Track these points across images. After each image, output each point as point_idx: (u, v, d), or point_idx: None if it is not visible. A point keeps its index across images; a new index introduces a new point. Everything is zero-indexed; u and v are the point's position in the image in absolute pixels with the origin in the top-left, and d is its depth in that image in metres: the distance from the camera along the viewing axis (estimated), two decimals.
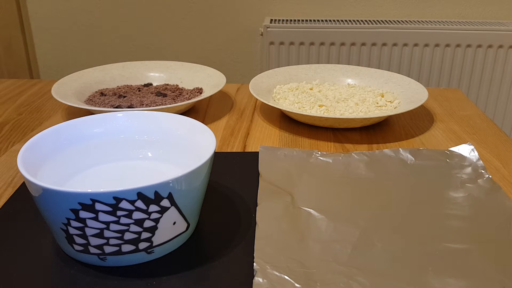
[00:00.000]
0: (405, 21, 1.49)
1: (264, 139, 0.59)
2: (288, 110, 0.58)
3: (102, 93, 0.68)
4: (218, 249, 0.37)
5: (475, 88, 1.47)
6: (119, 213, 0.32)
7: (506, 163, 0.53)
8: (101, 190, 0.31)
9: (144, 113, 0.46)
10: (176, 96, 0.67)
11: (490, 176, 0.47)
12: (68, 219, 0.32)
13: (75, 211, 0.32)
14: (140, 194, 0.32)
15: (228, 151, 0.55)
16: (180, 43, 1.61)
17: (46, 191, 0.32)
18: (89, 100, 0.66)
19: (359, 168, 0.49)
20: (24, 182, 0.47)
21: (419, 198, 0.44)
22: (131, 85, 0.72)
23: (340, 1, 1.53)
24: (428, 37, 1.41)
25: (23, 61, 1.59)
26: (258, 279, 0.33)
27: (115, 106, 0.63)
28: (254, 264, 0.34)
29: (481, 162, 0.50)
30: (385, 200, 0.43)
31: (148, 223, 0.33)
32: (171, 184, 0.33)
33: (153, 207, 0.33)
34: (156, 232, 0.34)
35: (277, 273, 0.33)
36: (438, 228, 0.39)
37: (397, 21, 1.48)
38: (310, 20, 1.49)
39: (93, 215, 0.32)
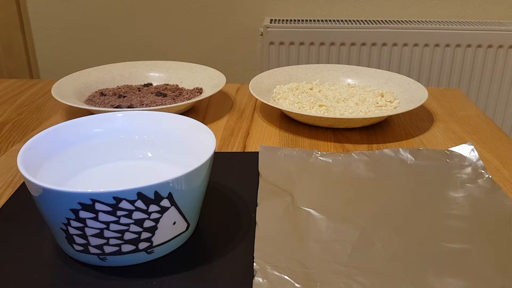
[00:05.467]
0: (405, 21, 1.49)
1: (264, 139, 0.59)
2: (288, 110, 0.58)
3: (102, 93, 0.68)
4: (218, 249, 0.37)
5: (475, 88, 1.47)
6: (119, 213, 0.32)
7: (506, 163, 0.53)
8: (101, 190, 0.31)
9: (144, 113, 0.46)
10: (176, 96, 0.67)
11: (490, 176, 0.47)
12: (68, 219, 0.32)
13: (75, 211, 0.32)
14: (140, 194, 0.32)
15: (228, 151, 0.55)
16: (180, 43, 1.61)
17: (46, 191, 0.32)
18: (89, 100, 0.66)
19: (359, 168, 0.49)
20: (24, 182, 0.47)
21: (419, 198, 0.44)
22: (131, 85, 0.72)
23: (340, 1, 1.53)
24: (428, 37, 1.41)
25: (23, 61, 1.59)
26: (258, 279, 0.33)
27: (115, 106, 0.63)
28: (254, 264, 0.34)
29: (481, 162, 0.50)
30: (385, 200, 0.43)
31: (148, 223, 0.33)
32: (171, 184, 0.33)
33: (153, 207, 0.33)
34: (156, 232, 0.34)
35: (277, 273, 0.33)
36: (438, 228, 0.39)
37: (397, 21, 1.48)
38: (310, 20, 1.49)
39: (93, 215, 0.32)
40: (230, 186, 0.47)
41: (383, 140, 0.58)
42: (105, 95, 0.67)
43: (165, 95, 0.67)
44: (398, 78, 0.70)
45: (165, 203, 0.33)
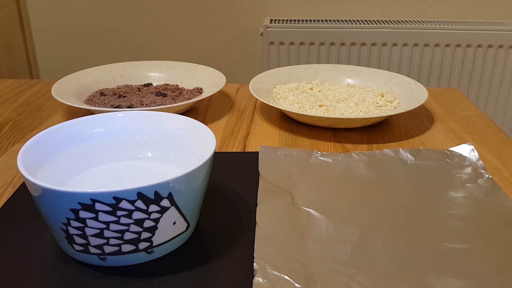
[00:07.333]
0: (405, 21, 1.49)
1: (264, 139, 0.59)
2: (288, 110, 0.58)
3: (102, 93, 0.68)
4: (218, 249, 0.37)
5: (475, 88, 1.47)
6: (119, 213, 0.32)
7: (506, 163, 0.53)
8: (101, 190, 0.31)
9: (144, 113, 0.46)
10: (176, 96, 0.67)
11: (490, 176, 0.47)
12: (68, 219, 0.32)
13: (75, 211, 0.32)
14: (140, 194, 0.32)
15: (228, 151, 0.55)
16: (180, 43, 1.61)
17: (46, 191, 0.32)
18: (89, 100, 0.66)
19: (359, 168, 0.49)
20: (24, 182, 0.47)
21: (419, 198, 0.44)
22: (131, 85, 0.72)
23: (340, 1, 1.53)
24: (428, 37, 1.41)
25: (23, 61, 1.59)
26: (258, 279, 0.33)
27: (115, 106, 0.63)
28: (254, 264, 0.34)
29: (481, 162, 0.50)
30: (385, 200, 0.43)
31: (148, 223, 0.33)
32: (171, 184, 0.33)
33: (153, 207, 0.33)
34: (156, 232, 0.34)
35: (277, 273, 0.33)
36: (438, 228, 0.39)
37: (397, 21, 1.48)
38: (310, 20, 1.49)
39: (93, 215, 0.32)
40: (230, 186, 0.47)
41: (383, 140, 0.58)
42: (105, 95, 0.67)
43: (165, 95, 0.67)
44: (398, 78, 0.70)
45: (165, 203, 0.33)
